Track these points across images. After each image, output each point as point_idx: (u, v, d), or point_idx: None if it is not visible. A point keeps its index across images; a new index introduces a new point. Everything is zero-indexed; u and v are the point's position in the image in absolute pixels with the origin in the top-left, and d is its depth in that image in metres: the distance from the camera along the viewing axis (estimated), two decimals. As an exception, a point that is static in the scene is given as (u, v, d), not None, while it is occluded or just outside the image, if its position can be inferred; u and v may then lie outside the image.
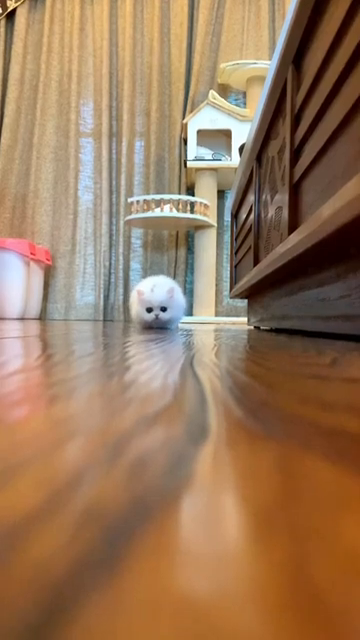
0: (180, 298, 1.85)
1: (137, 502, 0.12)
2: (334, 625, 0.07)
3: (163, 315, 1.74)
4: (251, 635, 0.07)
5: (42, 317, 3.98)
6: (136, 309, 1.81)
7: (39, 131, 4.08)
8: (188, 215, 3.42)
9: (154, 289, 1.74)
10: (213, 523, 0.11)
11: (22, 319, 3.36)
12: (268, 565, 0.09)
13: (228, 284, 3.88)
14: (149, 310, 1.74)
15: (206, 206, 3.55)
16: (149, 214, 3.43)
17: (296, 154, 1.21)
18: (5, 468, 0.15)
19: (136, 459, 0.16)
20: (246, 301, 2.67)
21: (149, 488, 0.13)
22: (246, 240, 2.22)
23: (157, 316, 1.73)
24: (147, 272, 3.91)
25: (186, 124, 3.75)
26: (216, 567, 0.09)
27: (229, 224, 3.86)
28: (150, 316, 1.74)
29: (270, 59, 3.88)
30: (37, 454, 0.16)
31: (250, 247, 2.03)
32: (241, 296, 2.48)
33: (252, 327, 2.44)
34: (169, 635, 0.07)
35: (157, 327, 1.76)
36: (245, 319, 3.55)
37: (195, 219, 3.46)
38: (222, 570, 0.09)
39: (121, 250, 3.98)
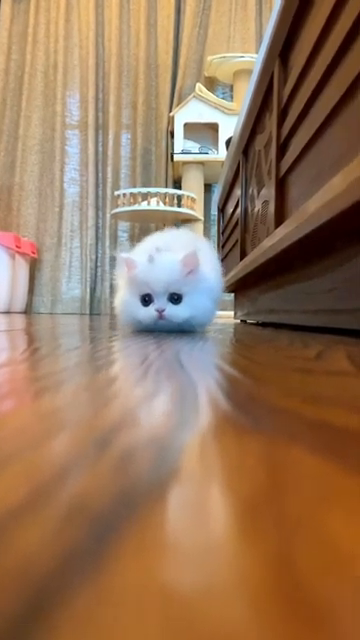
0: (212, 273, 1.00)
1: (124, 495, 0.12)
2: (318, 616, 0.08)
3: (174, 311, 0.92)
4: (237, 626, 0.07)
5: (28, 311, 3.96)
6: (122, 298, 0.98)
7: (24, 123, 4.03)
8: (175, 208, 3.41)
9: (155, 257, 0.92)
10: (200, 516, 0.11)
11: (7, 313, 3.33)
12: (254, 557, 0.09)
13: (215, 278, 3.86)
14: (146, 300, 0.93)
15: (193, 199, 3.54)
16: (136, 207, 3.42)
17: (282, 148, 1.21)
18: (-9, 462, 0.15)
19: (123, 452, 0.16)
20: (233, 295, 2.67)
21: (136, 481, 0.13)
22: (233, 234, 2.22)
23: (162, 313, 0.91)
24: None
25: (173, 117, 3.73)
26: (202, 559, 0.09)
27: (216, 218, 3.85)
28: (148, 313, 0.92)
29: (257, 52, 3.87)
30: (24, 447, 0.16)
31: (237, 241, 2.04)
32: (228, 290, 2.48)
33: (239, 321, 2.44)
34: (156, 627, 0.07)
35: (162, 330, 0.95)
36: (232, 313, 3.56)
37: (182, 212, 3.45)
38: (208, 562, 0.09)
39: (107, 243, 3.97)
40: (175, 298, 0.92)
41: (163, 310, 0.91)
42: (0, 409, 0.23)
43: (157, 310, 0.91)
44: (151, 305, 0.92)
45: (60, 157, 4.04)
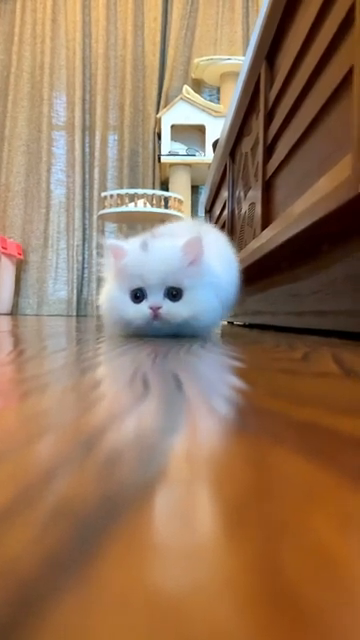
0: (221, 266, 0.83)
1: (109, 498, 0.12)
2: (304, 617, 0.08)
3: (172, 309, 0.76)
4: (224, 629, 0.07)
5: (14, 312, 3.93)
6: (108, 293, 0.81)
7: (10, 123, 4.01)
8: (162, 210, 3.41)
9: (150, 243, 0.77)
10: (186, 518, 0.11)
11: (-7, 314, 3.30)
12: (240, 559, 0.09)
13: (202, 279, 3.87)
14: (137, 296, 0.77)
15: (180, 201, 3.55)
16: (123, 208, 3.41)
17: (269, 150, 1.21)
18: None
19: (109, 454, 0.16)
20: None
21: (122, 483, 0.13)
22: (220, 236, 2.22)
23: (157, 311, 0.75)
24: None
25: (160, 119, 3.74)
26: (189, 562, 0.09)
27: (203, 219, 3.86)
28: (139, 312, 0.76)
29: (244, 55, 3.89)
30: (9, 450, 0.16)
31: (224, 243, 2.03)
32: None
33: (226, 322, 2.45)
34: (142, 630, 0.07)
35: (156, 334, 0.78)
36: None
37: (169, 214, 3.45)
38: (195, 565, 0.09)
39: (94, 244, 3.95)
40: (173, 294, 0.76)
41: (159, 308, 0.75)
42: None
43: (151, 308, 0.75)
44: (144, 302, 0.76)
45: (47, 158, 4.02)
